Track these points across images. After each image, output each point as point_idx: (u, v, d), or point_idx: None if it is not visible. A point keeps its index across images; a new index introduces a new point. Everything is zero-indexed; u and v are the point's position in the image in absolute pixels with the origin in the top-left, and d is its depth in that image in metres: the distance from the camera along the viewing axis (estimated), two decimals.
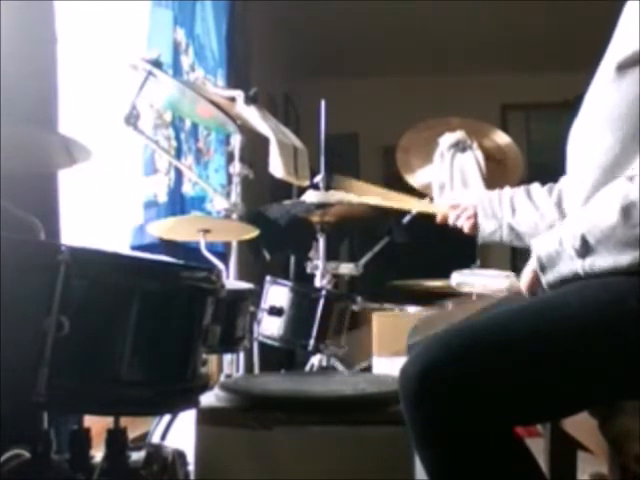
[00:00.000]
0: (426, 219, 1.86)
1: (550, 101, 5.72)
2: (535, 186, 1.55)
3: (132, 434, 1.44)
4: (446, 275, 2.66)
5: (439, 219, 1.73)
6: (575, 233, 1.09)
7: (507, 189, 1.59)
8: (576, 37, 4.94)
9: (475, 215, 1.60)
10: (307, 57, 5.68)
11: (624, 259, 1.06)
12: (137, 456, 1.38)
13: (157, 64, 2.05)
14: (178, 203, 3.00)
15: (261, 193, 4.06)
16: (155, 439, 1.86)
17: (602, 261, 1.08)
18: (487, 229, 1.57)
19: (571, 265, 1.10)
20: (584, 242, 1.08)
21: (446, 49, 5.51)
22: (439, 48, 5.49)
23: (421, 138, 2.90)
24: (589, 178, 1.18)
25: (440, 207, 1.77)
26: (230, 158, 2.63)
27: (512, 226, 1.54)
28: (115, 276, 1.20)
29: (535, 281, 1.16)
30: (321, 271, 2.80)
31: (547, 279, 1.13)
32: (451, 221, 1.68)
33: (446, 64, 5.77)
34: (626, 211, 1.06)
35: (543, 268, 1.13)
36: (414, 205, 2.07)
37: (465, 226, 1.64)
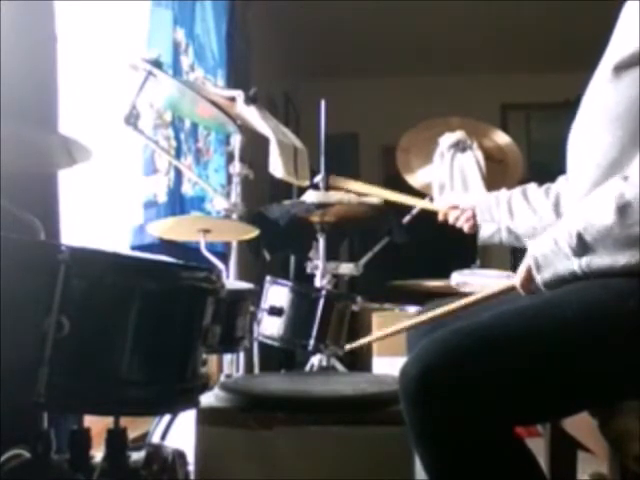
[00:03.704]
0: (426, 218, 1.89)
1: (550, 101, 5.72)
2: (531, 187, 1.56)
3: (132, 434, 1.44)
4: (446, 275, 2.67)
5: (441, 217, 1.77)
6: (571, 232, 1.09)
7: (504, 191, 1.60)
8: (576, 37, 4.94)
9: (474, 216, 1.64)
10: (307, 57, 5.68)
11: (621, 259, 1.07)
12: (137, 456, 1.38)
13: (157, 64, 2.05)
14: (178, 203, 3.00)
15: (261, 193, 4.06)
16: (155, 439, 1.86)
17: (599, 260, 1.08)
18: (486, 232, 1.61)
19: (568, 264, 1.10)
20: (580, 240, 1.08)
21: (446, 49, 5.51)
22: (439, 48, 5.49)
23: (421, 138, 2.90)
24: (588, 178, 1.18)
25: (440, 207, 1.80)
26: (230, 158, 2.63)
27: (510, 229, 1.56)
28: (115, 276, 1.20)
29: (529, 278, 1.16)
30: (321, 271, 2.80)
31: (543, 277, 1.13)
32: (451, 221, 1.72)
33: (446, 64, 5.77)
34: (622, 211, 1.06)
35: (539, 267, 1.13)
36: (415, 202, 2.10)
37: (465, 227, 1.68)
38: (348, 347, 1.98)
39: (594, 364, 1.05)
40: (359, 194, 2.49)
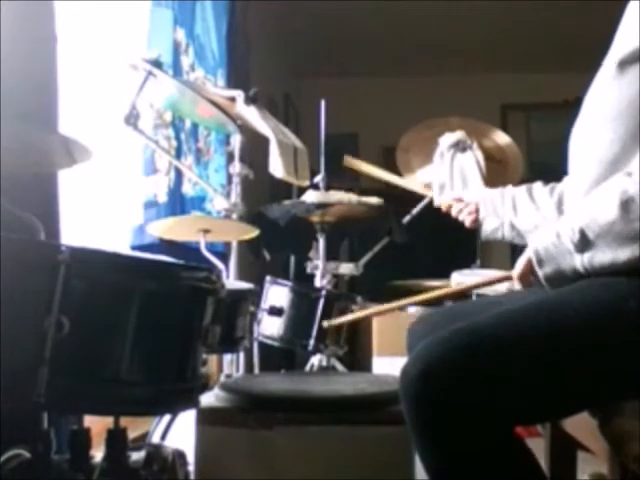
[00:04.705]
0: (426, 218, 1.90)
1: (550, 101, 5.72)
2: (537, 185, 1.56)
3: (132, 434, 1.44)
4: (446, 275, 2.66)
5: (444, 208, 1.77)
6: (574, 227, 1.09)
7: (509, 187, 1.61)
8: (576, 37, 4.94)
9: (477, 211, 1.64)
10: (307, 57, 5.68)
11: (623, 254, 1.07)
12: (137, 456, 1.38)
13: (157, 64, 2.05)
14: (178, 203, 3.00)
15: (261, 193, 4.06)
16: (155, 439, 1.86)
17: (601, 256, 1.08)
18: (489, 227, 1.61)
19: (570, 260, 1.10)
20: (583, 236, 1.08)
21: (446, 49, 5.51)
22: (439, 48, 5.49)
23: (421, 138, 2.90)
24: (590, 174, 1.18)
25: (444, 199, 1.82)
26: (230, 158, 2.63)
27: (514, 225, 1.56)
28: (115, 276, 1.20)
29: (528, 271, 1.16)
30: (321, 271, 2.80)
31: (545, 272, 1.13)
32: (454, 213, 1.72)
33: (446, 64, 5.77)
34: (625, 206, 1.06)
35: (540, 261, 1.13)
36: (418, 187, 2.11)
37: (467, 220, 1.68)
38: (326, 324, 1.99)
39: (594, 364, 1.05)
40: (371, 176, 2.50)
